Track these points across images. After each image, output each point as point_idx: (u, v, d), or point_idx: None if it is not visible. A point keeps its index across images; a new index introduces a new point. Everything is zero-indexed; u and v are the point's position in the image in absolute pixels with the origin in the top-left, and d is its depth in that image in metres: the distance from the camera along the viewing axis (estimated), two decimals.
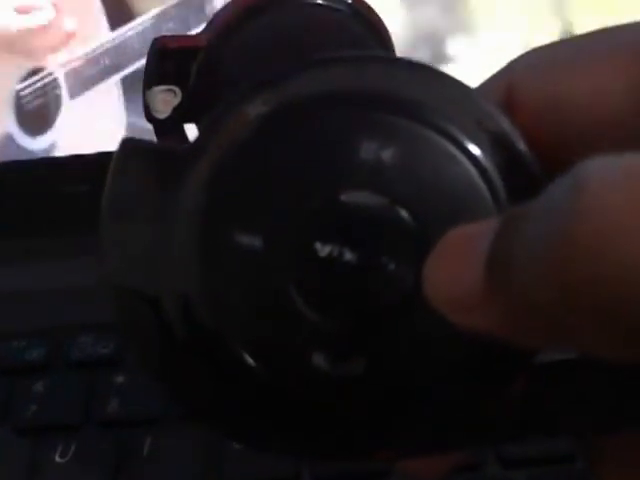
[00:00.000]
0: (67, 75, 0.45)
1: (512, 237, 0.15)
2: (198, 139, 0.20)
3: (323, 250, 0.18)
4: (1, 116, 0.44)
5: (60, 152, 0.45)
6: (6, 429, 0.35)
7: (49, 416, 0.35)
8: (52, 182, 0.45)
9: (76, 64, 0.44)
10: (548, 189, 0.15)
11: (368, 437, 0.20)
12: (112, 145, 0.20)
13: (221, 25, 0.27)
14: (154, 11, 0.44)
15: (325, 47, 0.26)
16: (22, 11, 0.44)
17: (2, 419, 0.36)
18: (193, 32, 0.40)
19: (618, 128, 0.19)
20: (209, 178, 0.19)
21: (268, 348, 0.19)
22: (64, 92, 0.45)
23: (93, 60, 0.45)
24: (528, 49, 0.20)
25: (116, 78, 0.45)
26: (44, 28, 0.44)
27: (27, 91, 0.44)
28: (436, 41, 0.45)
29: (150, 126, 0.27)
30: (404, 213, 0.18)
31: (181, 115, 0.27)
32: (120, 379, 0.37)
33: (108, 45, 0.44)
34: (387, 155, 0.18)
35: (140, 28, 0.44)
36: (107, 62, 0.44)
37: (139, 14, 0.44)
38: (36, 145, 0.45)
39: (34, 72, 0.44)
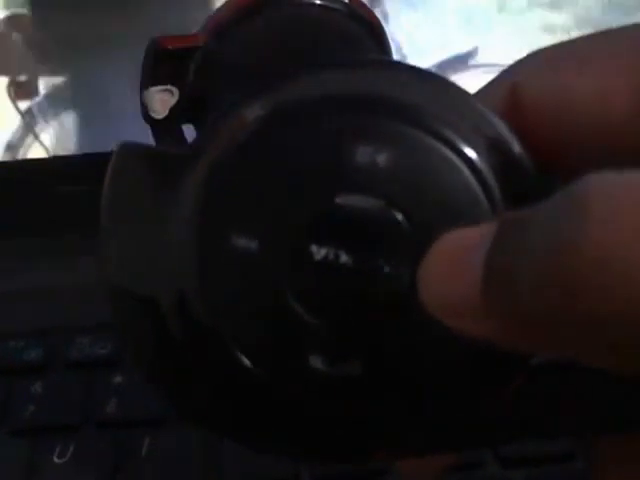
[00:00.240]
0: None
1: (510, 246, 0.15)
2: (196, 141, 0.20)
3: (319, 253, 0.18)
4: None
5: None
6: (4, 430, 0.35)
7: (47, 416, 0.35)
8: (52, 182, 0.45)
9: None
10: (550, 199, 0.15)
11: (367, 437, 0.20)
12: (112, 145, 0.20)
13: (218, 25, 0.27)
14: None
15: (322, 47, 0.26)
16: None
17: (0, 420, 0.35)
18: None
19: (622, 128, 0.19)
20: (207, 179, 0.19)
21: (264, 349, 0.19)
22: None
23: None
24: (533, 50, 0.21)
25: None
26: None
27: None
28: None
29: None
30: (400, 216, 0.18)
31: (178, 115, 0.27)
32: (118, 379, 0.36)
33: None
34: (383, 158, 0.18)
35: None
36: None
37: None
38: None
39: None
